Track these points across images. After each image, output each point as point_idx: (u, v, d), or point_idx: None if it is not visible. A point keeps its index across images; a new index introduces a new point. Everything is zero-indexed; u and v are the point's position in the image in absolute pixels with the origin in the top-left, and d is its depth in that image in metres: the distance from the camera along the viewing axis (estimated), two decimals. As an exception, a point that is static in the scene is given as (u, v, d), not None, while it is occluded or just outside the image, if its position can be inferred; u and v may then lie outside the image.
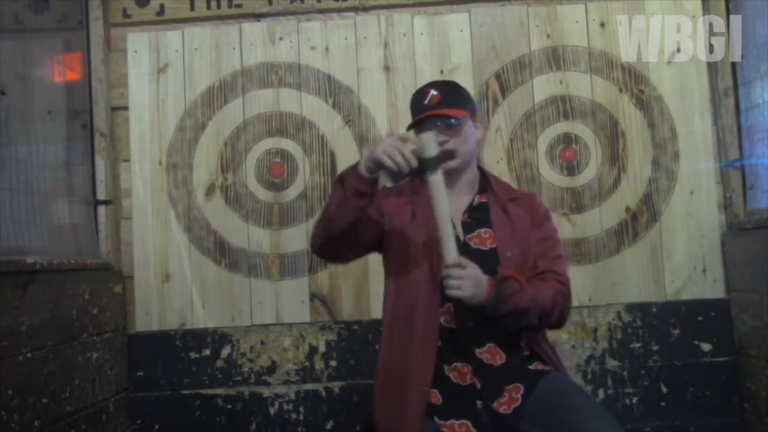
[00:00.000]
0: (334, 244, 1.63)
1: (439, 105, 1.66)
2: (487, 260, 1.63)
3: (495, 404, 1.56)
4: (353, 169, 1.53)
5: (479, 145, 1.78)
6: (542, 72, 2.44)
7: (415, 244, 1.66)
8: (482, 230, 1.68)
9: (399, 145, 1.46)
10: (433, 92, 1.68)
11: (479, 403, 1.57)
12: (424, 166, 1.50)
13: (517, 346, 1.63)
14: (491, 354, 1.60)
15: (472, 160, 1.74)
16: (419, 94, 1.73)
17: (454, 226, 1.60)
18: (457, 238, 1.66)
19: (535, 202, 1.77)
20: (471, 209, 1.71)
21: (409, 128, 1.71)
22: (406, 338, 1.61)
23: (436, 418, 1.56)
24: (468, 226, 1.69)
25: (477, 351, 1.59)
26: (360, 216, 1.57)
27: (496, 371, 1.59)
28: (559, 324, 1.66)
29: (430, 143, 1.51)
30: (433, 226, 1.62)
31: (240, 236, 2.42)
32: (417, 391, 1.56)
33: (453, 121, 1.65)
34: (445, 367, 1.60)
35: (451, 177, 1.70)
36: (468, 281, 1.48)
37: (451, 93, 1.71)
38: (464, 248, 1.65)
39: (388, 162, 1.45)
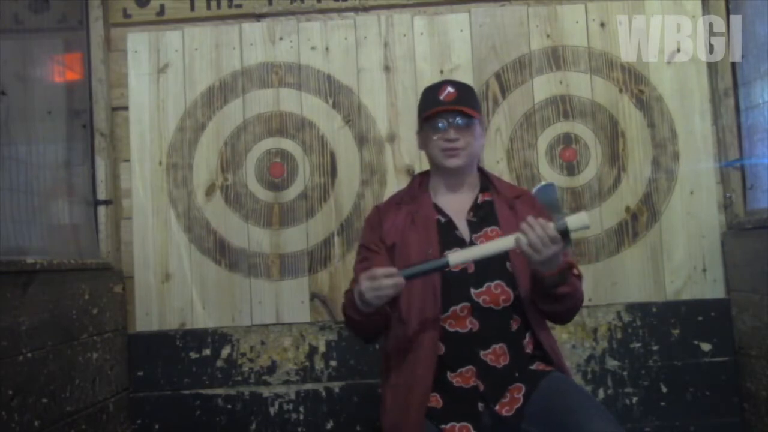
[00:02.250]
0: (373, 332, 1.70)
1: (455, 102, 1.67)
2: (493, 258, 1.63)
3: (497, 407, 1.56)
4: (354, 305, 1.56)
5: (481, 149, 1.79)
6: (542, 72, 2.44)
7: (415, 249, 1.65)
8: (489, 228, 1.67)
9: (376, 285, 1.48)
10: (450, 89, 1.69)
11: (481, 405, 1.57)
12: (556, 217, 1.48)
13: (521, 346, 1.63)
14: (495, 356, 1.59)
15: (475, 161, 1.74)
16: (434, 89, 1.73)
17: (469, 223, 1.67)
18: (462, 239, 1.66)
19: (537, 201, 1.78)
20: (476, 207, 1.71)
21: (423, 121, 1.71)
22: (412, 344, 1.60)
23: (436, 422, 1.56)
24: (474, 226, 1.68)
25: (482, 353, 1.59)
26: (386, 317, 1.63)
27: (499, 373, 1.59)
28: (571, 317, 1.72)
29: (579, 223, 1.48)
30: (431, 230, 1.64)
31: (240, 236, 2.42)
32: (419, 395, 1.56)
33: (464, 120, 1.66)
34: (449, 374, 1.59)
35: (454, 177, 1.71)
36: (549, 252, 1.47)
37: (466, 92, 1.72)
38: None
39: (381, 302, 1.50)
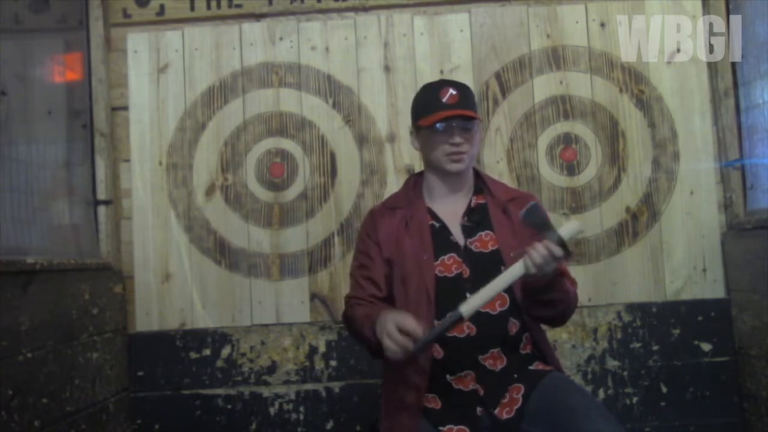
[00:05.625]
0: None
1: (459, 105, 1.63)
2: (488, 263, 1.62)
3: (497, 410, 1.55)
4: (374, 335, 1.52)
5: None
6: (542, 72, 2.44)
7: (410, 256, 1.64)
8: (483, 233, 1.67)
9: (392, 334, 1.44)
10: (452, 91, 1.65)
11: (479, 409, 1.57)
12: (548, 234, 1.47)
13: (518, 348, 1.63)
14: (494, 359, 1.59)
15: (473, 163, 1.73)
16: (434, 90, 1.68)
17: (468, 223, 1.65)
18: (457, 244, 1.66)
19: None
20: (469, 212, 1.70)
21: (425, 123, 1.66)
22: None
23: (434, 423, 1.56)
24: (468, 230, 1.67)
25: (480, 358, 1.59)
26: None
27: (498, 376, 1.59)
28: (564, 321, 1.70)
29: (573, 230, 1.48)
30: (426, 236, 1.63)
31: (240, 236, 2.42)
32: (414, 398, 1.57)
33: (469, 124, 1.64)
34: (448, 376, 1.59)
35: (454, 181, 1.70)
36: (551, 268, 1.46)
37: (467, 94, 1.68)
38: (465, 253, 1.64)
39: (392, 351, 1.45)
